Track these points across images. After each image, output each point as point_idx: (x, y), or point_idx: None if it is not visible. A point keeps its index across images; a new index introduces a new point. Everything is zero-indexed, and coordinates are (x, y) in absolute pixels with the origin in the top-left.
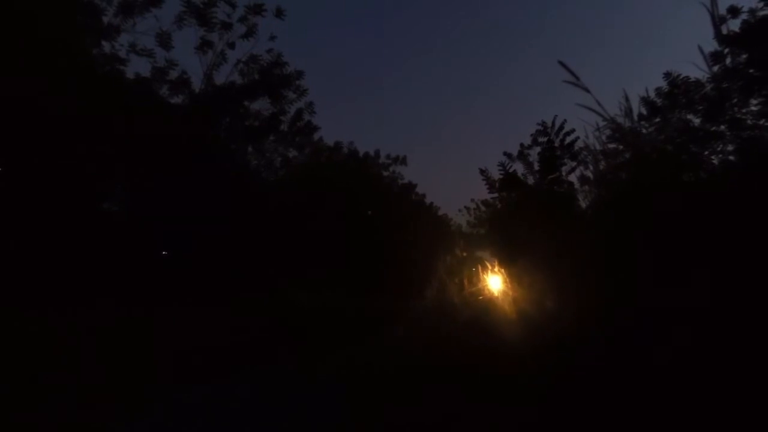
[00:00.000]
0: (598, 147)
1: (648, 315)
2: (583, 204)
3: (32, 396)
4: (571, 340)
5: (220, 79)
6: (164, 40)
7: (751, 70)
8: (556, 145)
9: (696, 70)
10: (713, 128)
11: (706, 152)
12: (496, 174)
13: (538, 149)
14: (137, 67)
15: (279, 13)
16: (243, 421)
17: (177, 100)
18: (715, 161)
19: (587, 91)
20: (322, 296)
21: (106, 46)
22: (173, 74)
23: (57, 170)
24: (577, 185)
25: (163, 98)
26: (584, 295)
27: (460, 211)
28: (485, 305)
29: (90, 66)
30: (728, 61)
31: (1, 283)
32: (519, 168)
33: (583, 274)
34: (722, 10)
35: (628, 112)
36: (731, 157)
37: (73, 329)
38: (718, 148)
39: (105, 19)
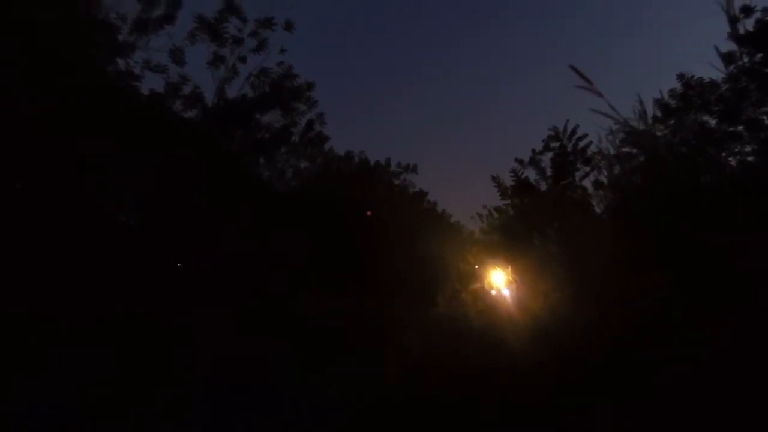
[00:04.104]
0: (612, 151)
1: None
2: (598, 209)
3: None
4: (584, 346)
5: (232, 92)
6: (177, 57)
7: (767, 70)
8: (569, 150)
9: (712, 70)
10: (730, 129)
11: (724, 153)
12: (508, 180)
13: (550, 155)
14: (151, 83)
15: (288, 27)
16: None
17: (190, 114)
18: (734, 163)
19: (600, 95)
20: (336, 305)
21: (121, 63)
22: (186, 89)
23: (75, 184)
24: (591, 190)
25: (176, 113)
26: (598, 302)
27: (472, 218)
28: (497, 312)
29: (106, 83)
30: (745, 60)
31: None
32: (531, 174)
33: (597, 281)
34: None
35: (642, 114)
36: (750, 158)
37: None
38: (736, 149)
39: (120, 37)
